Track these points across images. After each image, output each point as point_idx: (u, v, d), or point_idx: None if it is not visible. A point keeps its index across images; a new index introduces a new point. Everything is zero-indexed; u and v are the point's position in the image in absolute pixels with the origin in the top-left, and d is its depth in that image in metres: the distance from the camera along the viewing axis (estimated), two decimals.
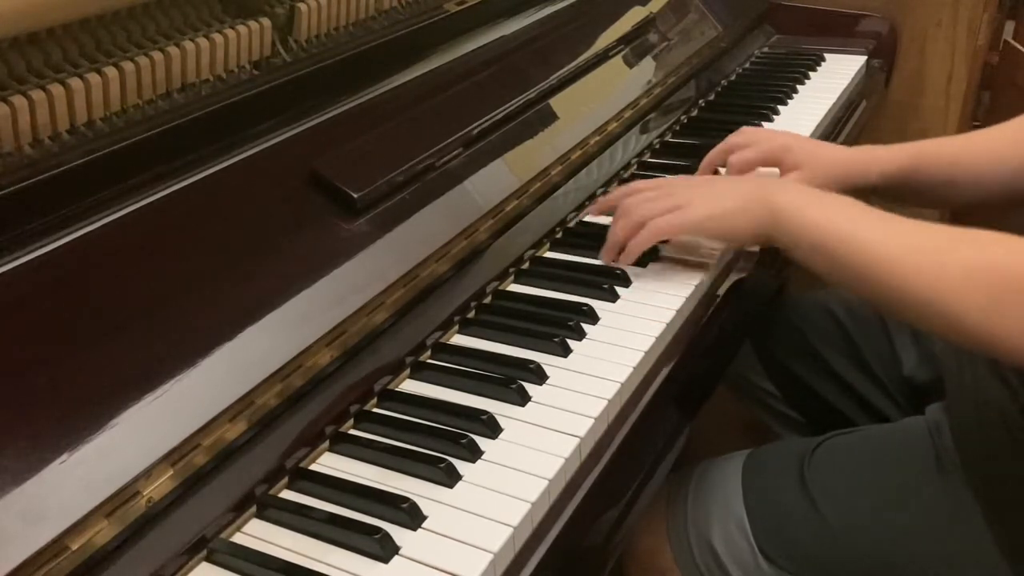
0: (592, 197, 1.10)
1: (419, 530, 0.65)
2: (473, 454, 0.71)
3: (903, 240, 0.80)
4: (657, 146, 1.25)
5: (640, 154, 1.21)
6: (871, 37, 1.64)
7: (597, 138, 1.14)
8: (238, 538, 0.66)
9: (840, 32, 1.64)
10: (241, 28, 0.85)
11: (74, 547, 0.57)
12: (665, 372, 0.84)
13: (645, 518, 0.98)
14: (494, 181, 0.97)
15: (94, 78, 0.73)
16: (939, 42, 1.71)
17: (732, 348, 1.09)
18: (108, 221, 0.71)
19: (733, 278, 0.97)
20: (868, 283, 0.81)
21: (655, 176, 1.16)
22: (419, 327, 0.83)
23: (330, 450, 0.73)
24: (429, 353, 0.83)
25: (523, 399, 0.77)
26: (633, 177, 1.16)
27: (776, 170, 1.08)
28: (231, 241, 0.76)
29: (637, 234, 0.92)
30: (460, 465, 0.70)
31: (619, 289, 0.91)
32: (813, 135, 1.30)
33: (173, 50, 0.79)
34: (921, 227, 0.81)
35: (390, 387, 0.79)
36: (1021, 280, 0.73)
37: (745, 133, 1.12)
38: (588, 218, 1.05)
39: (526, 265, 0.97)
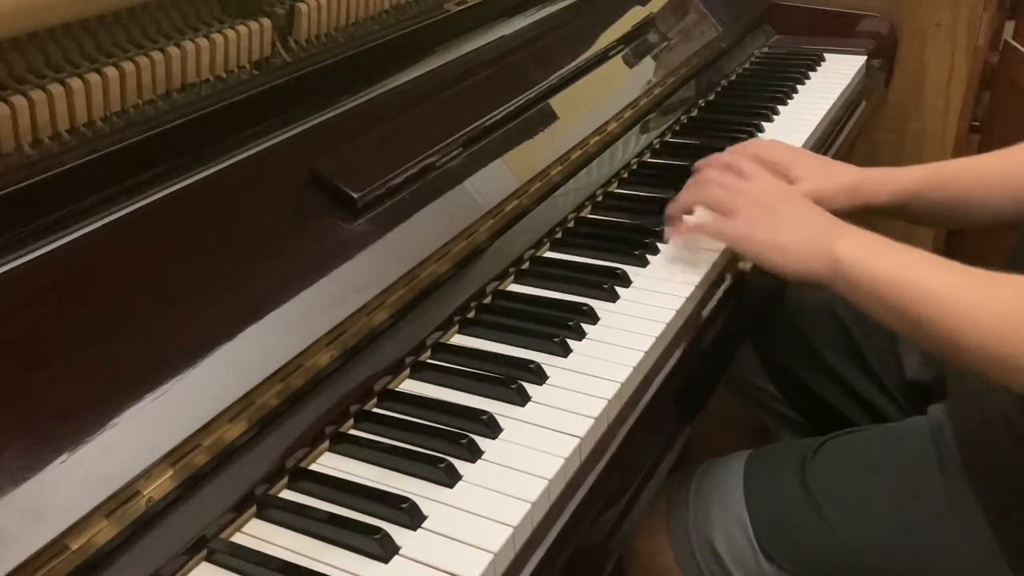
0: (592, 197, 1.10)
1: (419, 530, 0.65)
2: (473, 454, 0.71)
3: (973, 292, 0.77)
4: (657, 146, 1.25)
5: (640, 154, 1.21)
6: (871, 37, 1.64)
7: (597, 138, 1.14)
8: (238, 538, 0.66)
9: (840, 32, 1.64)
10: (241, 28, 0.85)
11: (74, 547, 0.57)
12: (665, 372, 0.84)
13: (646, 519, 0.98)
14: (494, 181, 0.97)
15: (94, 78, 0.73)
16: (939, 42, 1.71)
17: (732, 348, 1.09)
18: (108, 221, 0.71)
19: (734, 278, 0.97)
20: (942, 337, 0.78)
21: (655, 175, 1.17)
22: (419, 327, 0.83)
23: (330, 450, 0.73)
24: (429, 353, 0.83)
25: (523, 399, 0.77)
26: (632, 177, 1.16)
27: None
28: (231, 241, 0.76)
29: (696, 223, 0.95)
30: (460, 465, 0.70)
31: (619, 289, 0.91)
32: (813, 135, 1.30)
33: (173, 50, 0.79)
34: (995, 277, 0.79)
35: (390, 387, 0.79)
36: None
37: (762, 141, 1.16)
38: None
39: (526, 265, 0.97)
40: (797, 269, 0.88)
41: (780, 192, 0.96)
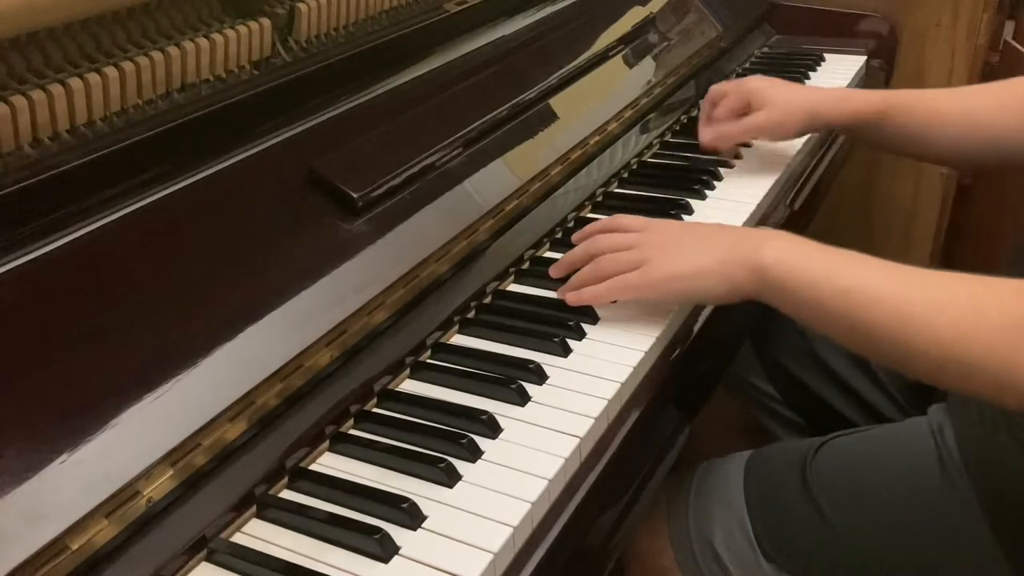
0: (592, 197, 1.10)
1: (419, 530, 0.65)
2: (473, 454, 0.71)
3: (928, 293, 0.73)
4: (657, 146, 1.25)
5: (640, 154, 1.21)
6: (871, 37, 1.64)
7: (597, 138, 1.14)
8: (238, 538, 0.65)
9: (840, 32, 1.64)
10: (241, 28, 0.85)
11: (74, 547, 0.57)
12: (665, 372, 0.84)
13: (646, 519, 0.98)
14: (494, 181, 0.97)
15: (94, 78, 0.73)
16: (939, 42, 1.71)
17: (732, 349, 1.10)
18: (108, 221, 0.71)
19: None
20: (887, 341, 0.74)
21: (655, 175, 1.17)
22: (419, 327, 0.83)
23: (330, 450, 0.73)
24: (429, 353, 0.83)
25: (523, 399, 0.77)
26: (633, 177, 1.16)
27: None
28: (231, 241, 0.76)
29: (596, 286, 0.86)
30: (460, 465, 0.70)
31: None
32: (813, 134, 1.30)
33: (173, 50, 0.79)
34: (941, 276, 0.75)
35: (390, 387, 0.79)
36: None
37: (722, 85, 1.19)
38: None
39: (526, 265, 0.97)
40: (722, 288, 0.82)
41: (676, 226, 0.92)
